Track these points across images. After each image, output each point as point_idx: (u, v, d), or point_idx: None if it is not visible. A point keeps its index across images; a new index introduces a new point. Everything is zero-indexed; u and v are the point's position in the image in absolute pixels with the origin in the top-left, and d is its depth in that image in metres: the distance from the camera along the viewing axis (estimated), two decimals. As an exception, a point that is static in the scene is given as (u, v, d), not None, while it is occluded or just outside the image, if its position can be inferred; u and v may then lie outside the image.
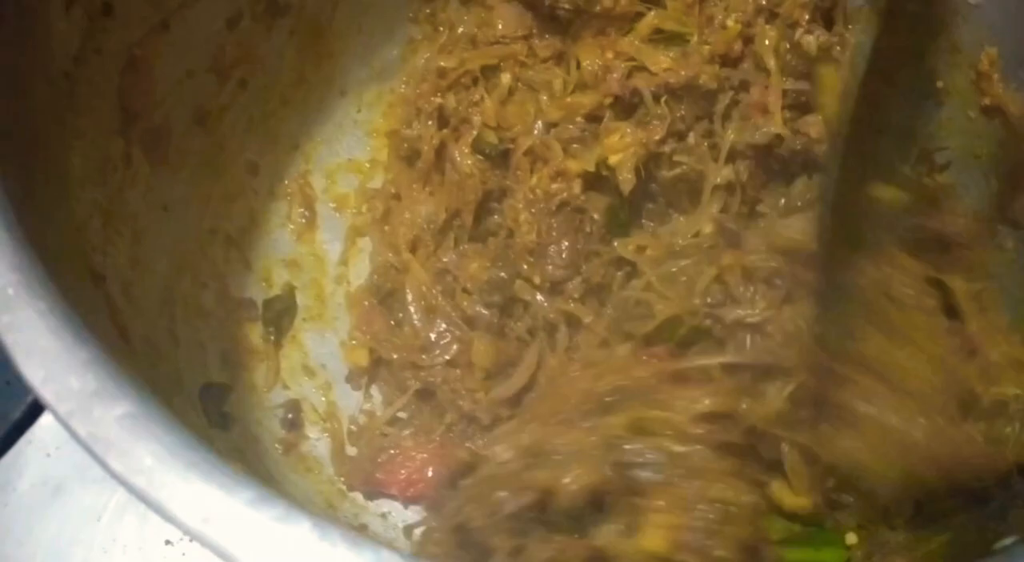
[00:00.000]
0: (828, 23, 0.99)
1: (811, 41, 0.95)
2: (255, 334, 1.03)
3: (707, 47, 0.97)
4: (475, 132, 1.04)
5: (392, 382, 1.03)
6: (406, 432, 1.00)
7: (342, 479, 0.98)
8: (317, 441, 1.01)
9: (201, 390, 0.92)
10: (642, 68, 0.99)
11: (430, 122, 1.07)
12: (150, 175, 0.93)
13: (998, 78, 1.00)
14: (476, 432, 0.99)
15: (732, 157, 0.98)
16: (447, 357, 1.01)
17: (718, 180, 0.98)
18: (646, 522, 0.78)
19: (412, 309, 1.04)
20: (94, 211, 0.83)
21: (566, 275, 1.00)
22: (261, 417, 0.98)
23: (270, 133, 1.09)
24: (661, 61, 0.99)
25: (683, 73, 0.97)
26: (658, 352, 0.91)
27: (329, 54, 1.13)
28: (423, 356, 1.01)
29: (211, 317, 0.99)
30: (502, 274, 1.01)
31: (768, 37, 0.96)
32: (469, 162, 1.05)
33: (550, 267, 1.00)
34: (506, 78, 1.06)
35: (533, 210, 1.01)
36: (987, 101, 1.03)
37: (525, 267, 1.01)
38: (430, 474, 0.95)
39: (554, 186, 1.00)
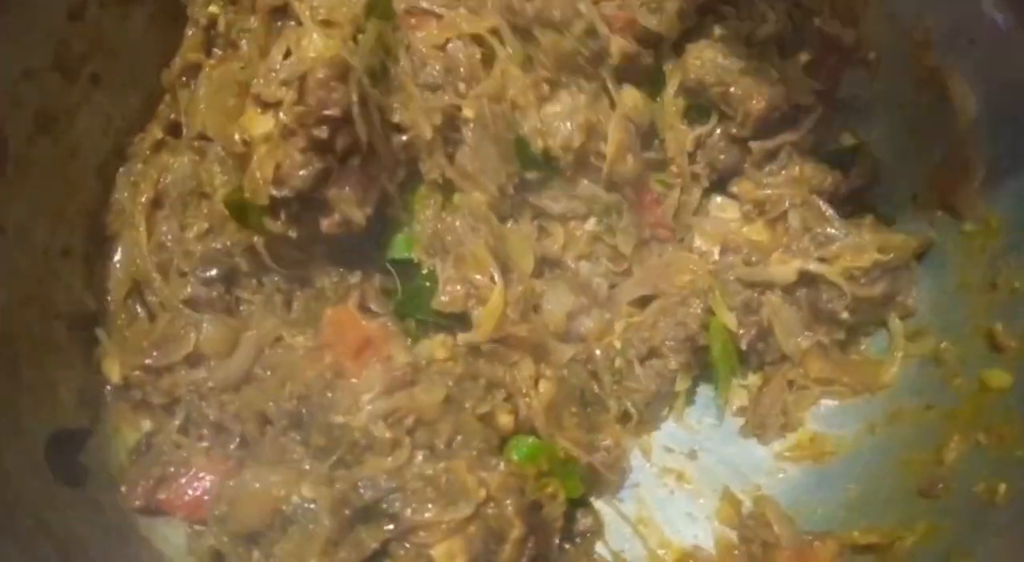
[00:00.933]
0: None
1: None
2: (115, 367, 0.91)
3: None
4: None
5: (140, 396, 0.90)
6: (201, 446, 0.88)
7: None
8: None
9: (51, 440, 0.82)
10: None
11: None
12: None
13: (935, 50, 0.92)
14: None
15: None
16: (181, 353, 0.88)
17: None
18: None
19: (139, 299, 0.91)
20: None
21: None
22: (123, 461, 0.88)
23: (131, 134, 0.97)
24: None
25: None
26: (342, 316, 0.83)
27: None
28: (155, 354, 0.88)
29: (64, 352, 0.88)
30: (215, 245, 0.90)
31: None
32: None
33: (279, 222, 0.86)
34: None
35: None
36: (924, 74, 0.94)
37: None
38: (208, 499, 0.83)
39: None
